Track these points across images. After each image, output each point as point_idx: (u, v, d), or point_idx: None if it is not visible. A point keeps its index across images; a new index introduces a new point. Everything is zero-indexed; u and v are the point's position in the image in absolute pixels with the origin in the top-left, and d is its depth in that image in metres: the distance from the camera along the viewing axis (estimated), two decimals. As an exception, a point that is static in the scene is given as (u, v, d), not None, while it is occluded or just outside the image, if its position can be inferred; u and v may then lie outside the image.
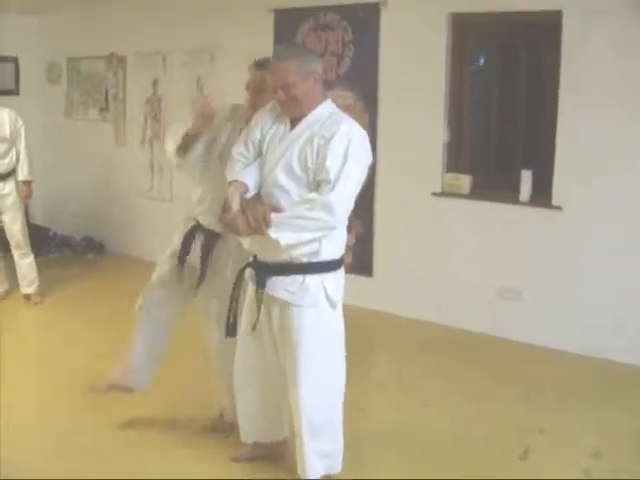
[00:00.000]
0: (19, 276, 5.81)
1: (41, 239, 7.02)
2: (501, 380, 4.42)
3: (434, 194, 5.34)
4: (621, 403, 4.16)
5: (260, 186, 2.85)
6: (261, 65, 3.17)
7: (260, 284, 2.85)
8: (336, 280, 2.88)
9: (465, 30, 5.23)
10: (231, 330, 3.01)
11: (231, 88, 6.13)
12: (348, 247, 3.04)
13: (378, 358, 4.75)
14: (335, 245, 2.83)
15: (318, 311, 2.83)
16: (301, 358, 2.82)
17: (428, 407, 4.03)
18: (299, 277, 2.80)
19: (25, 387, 4.31)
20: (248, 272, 2.95)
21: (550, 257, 4.94)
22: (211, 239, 3.34)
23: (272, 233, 2.68)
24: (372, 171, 5.40)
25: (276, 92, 2.77)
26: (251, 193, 2.84)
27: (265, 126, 2.90)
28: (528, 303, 5.06)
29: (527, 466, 3.45)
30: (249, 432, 3.21)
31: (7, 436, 3.43)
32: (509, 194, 5.10)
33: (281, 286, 2.82)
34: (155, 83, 6.89)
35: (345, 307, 2.99)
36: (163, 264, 3.54)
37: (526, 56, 5.28)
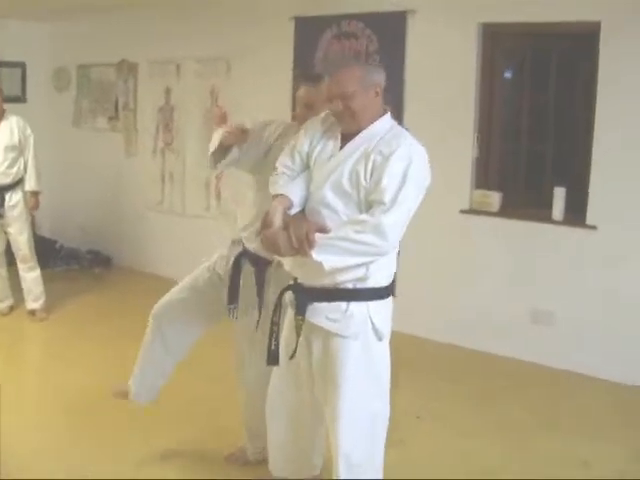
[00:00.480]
0: (24, 290, 5.58)
1: (47, 252, 6.76)
2: (537, 409, 4.19)
3: (462, 211, 5.11)
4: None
5: (305, 203, 2.61)
6: (313, 79, 2.99)
7: (300, 310, 2.59)
8: (384, 310, 2.60)
9: (496, 41, 5.01)
10: (272, 358, 2.72)
11: (248, 98, 6.02)
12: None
13: (406, 384, 4.50)
14: (384, 271, 2.56)
15: (363, 343, 2.55)
16: (342, 395, 2.55)
17: (466, 438, 3.79)
18: (343, 304, 2.53)
19: (26, 407, 4.07)
20: (288, 296, 2.70)
21: (584, 279, 4.71)
22: (263, 267, 3.09)
23: (315, 255, 2.42)
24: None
25: (332, 101, 2.53)
26: (296, 209, 2.58)
27: (314, 138, 2.66)
28: (560, 327, 4.82)
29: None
30: (280, 467, 2.96)
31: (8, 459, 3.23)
32: (541, 212, 4.88)
33: (323, 313, 2.56)
34: (168, 92, 6.67)
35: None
36: (198, 275, 3.31)
37: (559, 68, 5.08)
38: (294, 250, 2.45)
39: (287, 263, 2.62)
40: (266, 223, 2.52)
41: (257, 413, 3.06)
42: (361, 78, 2.51)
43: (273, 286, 3.05)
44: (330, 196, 2.51)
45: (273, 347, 2.71)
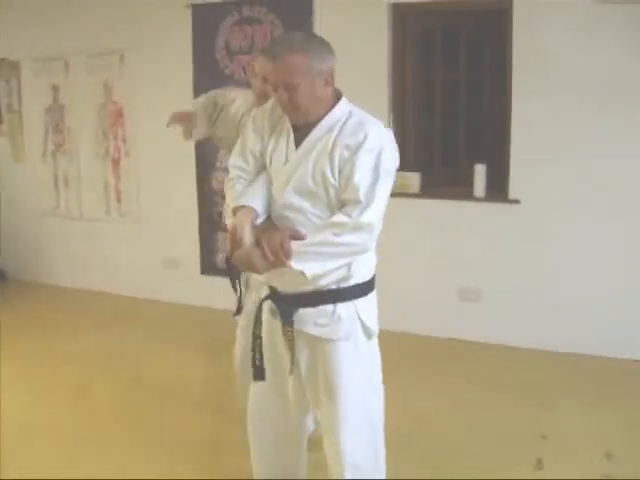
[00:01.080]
0: None
1: None
2: (481, 384, 4.19)
3: (383, 195, 5.05)
4: (609, 397, 4.05)
5: (268, 207, 2.40)
6: (268, 52, 2.80)
7: (287, 321, 2.40)
8: (370, 306, 2.47)
9: (406, 20, 4.96)
10: (259, 373, 2.53)
11: (146, 92, 5.73)
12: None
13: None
14: (366, 265, 2.42)
15: (354, 343, 2.41)
16: (340, 401, 2.42)
17: (421, 422, 3.73)
18: (329, 307, 2.38)
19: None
20: (267, 305, 2.51)
21: (510, 253, 4.77)
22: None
23: (295, 264, 2.23)
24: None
25: (276, 90, 2.29)
26: (261, 218, 2.37)
27: (264, 134, 2.44)
28: (488, 302, 4.87)
29: (546, 475, 3.22)
30: (263, 472, 2.81)
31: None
32: (462, 190, 4.90)
33: (310, 319, 2.39)
34: (55, 90, 6.22)
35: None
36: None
37: (472, 46, 5.09)
38: (271, 264, 2.26)
39: (263, 275, 2.39)
40: (235, 242, 2.30)
41: None
42: (307, 67, 2.23)
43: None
44: (295, 199, 2.33)
45: (258, 362, 2.52)
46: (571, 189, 4.56)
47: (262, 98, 2.85)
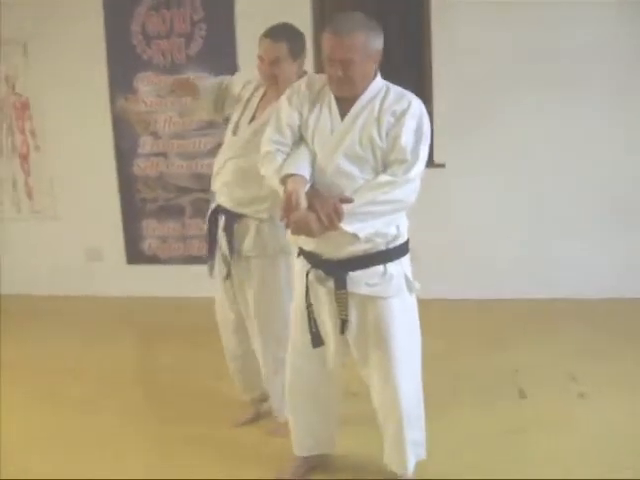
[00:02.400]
0: None
1: None
2: (444, 337, 4.48)
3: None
4: (552, 333, 4.56)
5: (314, 176, 2.54)
6: (274, 34, 2.96)
7: (340, 284, 2.55)
8: (409, 262, 2.68)
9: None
10: (316, 340, 2.68)
11: (54, 83, 5.56)
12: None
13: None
14: (406, 225, 2.63)
15: (402, 299, 2.61)
16: (395, 352, 2.61)
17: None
18: (380, 268, 2.55)
19: None
20: (313, 274, 2.63)
21: (438, 214, 5.13)
22: (231, 220, 3.08)
23: (347, 227, 2.41)
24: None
25: (332, 65, 2.45)
26: (308, 185, 2.51)
27: (304, 108, 2.59)
28: (420, 261, 5.20)
29: (530, 403, 3.60)
30: (306, 446, 2.95)
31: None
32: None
33: (362, 281, 2.55)
34: (-52, 85, 5.89)
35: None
36: None
37: (391, 18, 5.32)
38: (325, 228, 2.42)
39: (309, 242, 2.55)
40: (291, 207, 2.42)
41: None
42: (365, 46, 2.44)
43: (239, 238, 3.09)
44: (346, 164, 2.49)
45: (314, 329, 2.67)
46: (492, 156, 5.02)
47: (270, 80, 2.99)
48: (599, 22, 4.85)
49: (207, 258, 3.24)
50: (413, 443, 2.74)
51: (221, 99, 3.26)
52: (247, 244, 3.07)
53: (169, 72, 5.36)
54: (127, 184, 5.66)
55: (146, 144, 5.55)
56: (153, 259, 5.74)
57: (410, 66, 5.41)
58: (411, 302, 2.68)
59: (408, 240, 2.65)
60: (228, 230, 3.09)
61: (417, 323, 2.73)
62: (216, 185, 3.16)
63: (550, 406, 3.54)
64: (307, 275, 2.64)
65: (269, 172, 2.61)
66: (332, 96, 2.56)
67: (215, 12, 5.23)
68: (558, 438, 3.21)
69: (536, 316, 4.90)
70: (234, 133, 3.10)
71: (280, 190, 2.53)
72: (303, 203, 2.43)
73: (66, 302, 5.70)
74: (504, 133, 5.00)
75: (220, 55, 5.27)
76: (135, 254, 5.77)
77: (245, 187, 3.01)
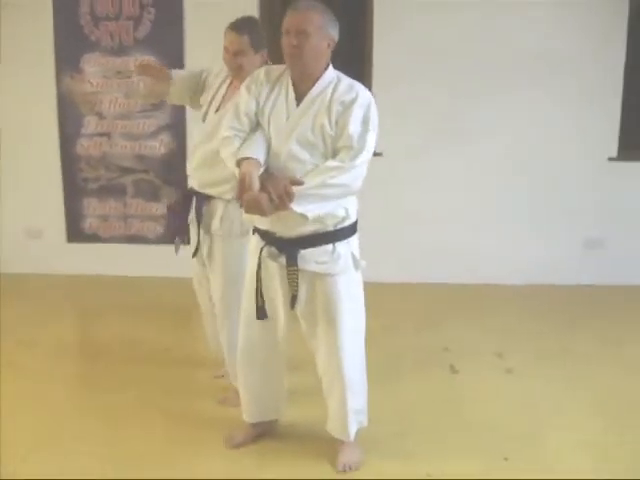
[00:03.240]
0: None
1: None
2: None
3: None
4: (478, 314, 4.91)
5: (267, 160, 2.73)
6: (238, 27, 3.16)
7: (291, 261, 2.75)
8: (357, 242, 2.88)
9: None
10: (261, 313, 2.88)
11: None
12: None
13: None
14: (355, 208, 2.84)
15: (348, 276, 2.83)
16: (340, 325, 2.82)
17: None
18: (329, 247, 2.76)
19: None
20: (266, 250, 2.82)
21: (375, 201, 5.37)
22: (201, 201, 3.28)
23: (297, 207, 2.61)
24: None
25: (287, 36, 2.64)
26: (262, 168, 2.69)
27: (261, 96, 2.77)
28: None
29: (462, 378, 3.89)
30: (255, 412, 3.13)
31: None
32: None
33: (312, 259, 2.75)
34: None
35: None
36: None
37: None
38: (276, 208, 2.60)
39: (264, 222, 2.74)
40: (245, 188, 2.60)
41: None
42: (322, 25, 2.65)
43: (207, 218, 3.28)
44: (297, 149, 2.67)
45: (260, 303, 2.86)
46: (429, 144, 5.31)
47: (235, 71, 3.19)
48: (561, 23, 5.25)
49: (174, 238, 3.44)
50: (355, 411, 2.96)
51: (200, 89, 3.41)
52: (214, 224, 3.26)
53: (116, 54, 5.43)
54: (71, 163, 5.68)
55: (90, 124, 5.59)
56: (93, 238, 5.79)
57: (354, 60, 5.65)
58: (357, 279, 2.89)
59: (356, 221, 2.86)
60: (198, 211, 3.28)
61: (362, 299, 2.95)
62: (188, 169, 3.36)
63: (480, 380, 3.84)
64: (260, 251, 2.83)
65: (226, 155, 2.79)
66: (290, 84, 2.74)
67: (164, -5, 5.32)
68: (489, 406, 3.52)
69: (463, 300, 5.23)
70: (203, 120, 3.29)
71: (236, 172, 2.71)
72: (256, 184, 2.61)
73: (4, 280, 5.67)
74: (440, 120, 5.32)
75: (167, 39, 5.37)
76: (76, 233, 5.80)
77: (210, 170, 3.19)
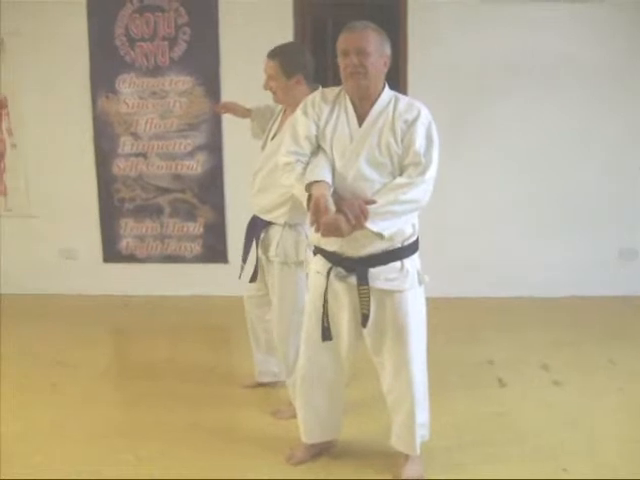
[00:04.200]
0: None
1: None
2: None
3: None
4: (521, 326, 4.91)
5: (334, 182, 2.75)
6: (270, 52, 3.30)
7: (363, 279, 2.76)
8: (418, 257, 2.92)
9: (307, 10, 5.39)
10: (326, 334, 2.89)
11: (32, 83, 5.61)
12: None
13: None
14: (417, 225, 2.86)
15: (415, 291, 2.85)
16: (409, 341, 2.84)
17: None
18: (397, 263, 2.79)
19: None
20: (334, 272, 2.83)
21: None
22: (261, 227, 3.41)
23: (372, 226, 2.63)
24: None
25: (347, 56, 2.68)
26: (330, 191, 2.71)
27: (320, 119, 2.80)
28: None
29: (510, 391, 3.91)
30: (316, 434, 3.14)
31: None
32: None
33: (381, 276, 2.78)
34: None
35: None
36: None
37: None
38: (353, 228, 2.63)
39: (332, 243, 2.77)
40: (320, 211, 2.61)
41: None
42: (379, 44, 2.71)
43: (265, 242, 3.39)
44: (366, 169, 2.70)
45: (326, 324, 2.87)
46: (460, 153, 5.34)
47: (274, 95, 3.33)
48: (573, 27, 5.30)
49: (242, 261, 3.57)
50: (421, 425, 2.98)
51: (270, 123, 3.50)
52: (272, 250, 3.35)
53: (152, 74, 5.49)
54: (106, 183, 5.74)
55: (126, 144, 5.65)
56: (130, 258, 5.83)
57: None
58: (421, 293, 2.92)
59: (418, 237, 2.89)
60: (258, 236, 3.39)
61: (425, 313, 2.97)
62: (251, 196, 3.44)
63: (529, 392, 3.85)
64: (328, 273, 2.84)
65: (291, 181, 2.81)
66: (349, 105, 2.78)
67: (199, 17, 5.38)
68: (541, 419, 3.52)
69: (498, 313, 5.23)
70: (262, 149, 3.39)
71: (304, 197, 2.73)
72: (332, 206, 2.63)
73: (39, 300, 5.70)
74: (481, 135, 5.38)
75: (203, 59, 5.43)
76: (112, 253, 5.85)
77: (267, 196, 3.30)
